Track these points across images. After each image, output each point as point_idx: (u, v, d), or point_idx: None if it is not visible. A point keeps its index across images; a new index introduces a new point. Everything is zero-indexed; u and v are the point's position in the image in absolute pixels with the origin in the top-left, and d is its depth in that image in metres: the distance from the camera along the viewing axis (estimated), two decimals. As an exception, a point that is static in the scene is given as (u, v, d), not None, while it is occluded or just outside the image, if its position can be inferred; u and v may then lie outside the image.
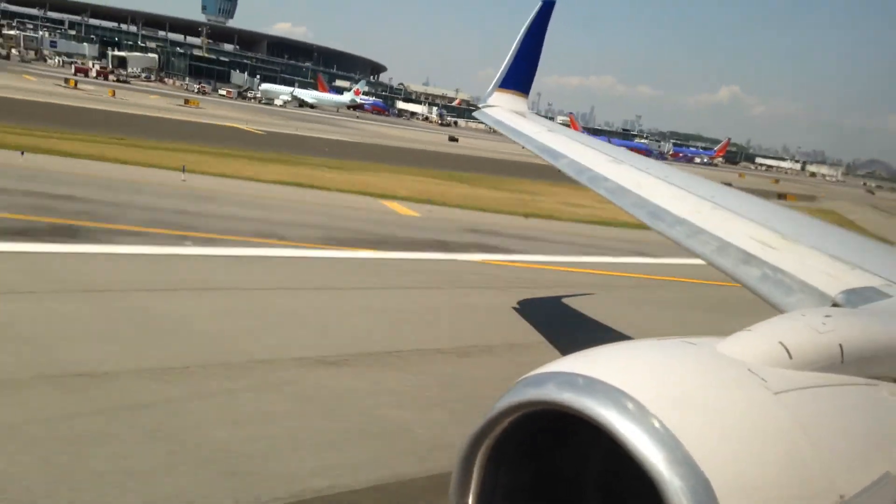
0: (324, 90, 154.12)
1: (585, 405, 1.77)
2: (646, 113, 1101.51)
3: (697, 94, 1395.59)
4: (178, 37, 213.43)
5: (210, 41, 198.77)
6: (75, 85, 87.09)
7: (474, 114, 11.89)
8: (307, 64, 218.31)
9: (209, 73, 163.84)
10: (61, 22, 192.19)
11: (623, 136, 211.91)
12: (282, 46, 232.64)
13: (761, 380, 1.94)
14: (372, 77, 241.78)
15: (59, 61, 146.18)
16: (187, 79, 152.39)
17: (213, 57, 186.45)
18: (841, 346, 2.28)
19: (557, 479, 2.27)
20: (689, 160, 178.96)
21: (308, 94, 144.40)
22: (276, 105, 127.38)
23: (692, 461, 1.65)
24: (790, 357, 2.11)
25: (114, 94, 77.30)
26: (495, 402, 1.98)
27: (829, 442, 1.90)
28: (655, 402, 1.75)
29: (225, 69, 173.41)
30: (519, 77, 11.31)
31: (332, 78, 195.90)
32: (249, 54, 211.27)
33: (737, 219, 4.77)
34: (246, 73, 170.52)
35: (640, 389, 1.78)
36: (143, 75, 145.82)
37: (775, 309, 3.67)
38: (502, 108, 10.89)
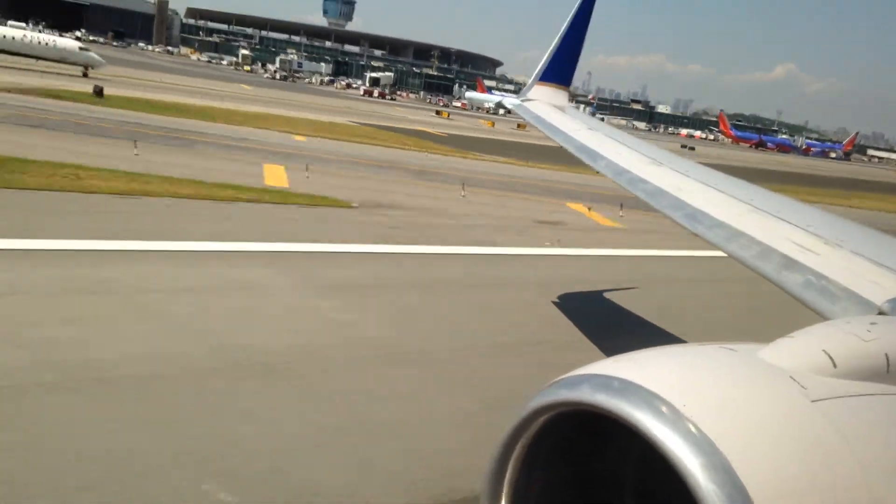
0: (483, 91, 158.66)
1: (619, 407, 1.77)
2: (698, 92, 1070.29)
3: (750, 73, 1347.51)
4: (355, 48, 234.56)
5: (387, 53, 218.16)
6: (448, 116, 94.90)
7: (513, 108, 11.64)
8: (465, 68, 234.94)
9: (438, 87, 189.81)
10: (250, 37, 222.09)
11: (763, 132, 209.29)
12: (422, 51, 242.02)
13: (801, 387, 1.92)
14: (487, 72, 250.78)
15: (317, 80, 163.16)
16: (421, 93, 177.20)
17: (442, 74, 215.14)
18: (887, 355, 2.23)
19: (591, 481, 2.26)
20: (825, 154, 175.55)
21: (509, 100, 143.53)
22: (486, 111, 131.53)
23: (729, 467, 1.64)
24: (834, 365, 2.08)
25: (493, 125, 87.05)
26: (528, 401, 1.97)
27: (869, 451, 1.86)
28: (691, 407, 1.74)
29: (450, 83, 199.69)
30: (560, 70, 11.10)
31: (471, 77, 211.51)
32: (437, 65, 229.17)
33: (778, 223, 4.71)
34: (458, 85, 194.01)
35: (676, 393, 1.77)
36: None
37: (819, 316, 3.63)
38: (542, 101, 10.63)
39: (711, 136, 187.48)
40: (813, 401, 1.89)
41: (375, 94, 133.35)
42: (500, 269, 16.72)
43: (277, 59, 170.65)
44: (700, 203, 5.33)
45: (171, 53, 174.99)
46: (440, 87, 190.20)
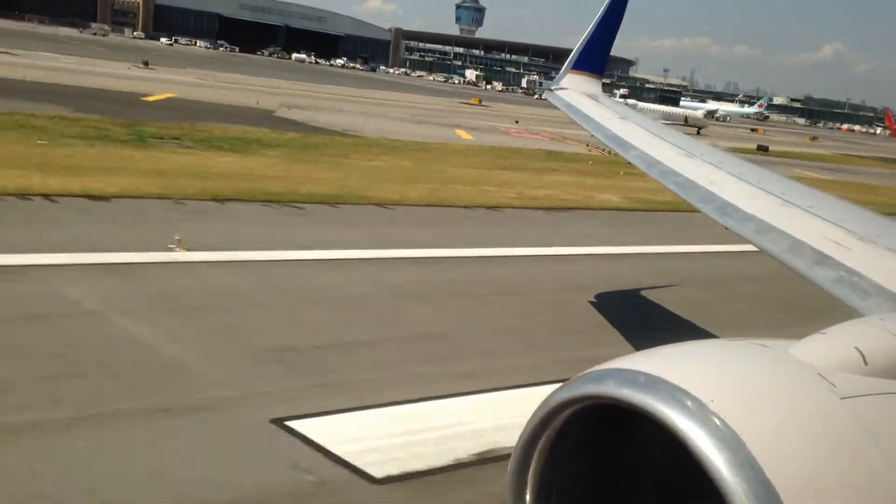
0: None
1: (645, 402, 1.78)
2: (744, 74, 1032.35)
3: (798, 53, 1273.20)
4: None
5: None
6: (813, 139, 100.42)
7: (545, 96, 11.84)
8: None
9: (671, 100, 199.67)
10: (446, 54, 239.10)
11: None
12: (543, 52, 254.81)
13: (829, 384, 1.91)
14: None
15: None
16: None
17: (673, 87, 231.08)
18: None
19: (615, 475, 2.29)
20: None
21: (724, 108, 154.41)
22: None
23: (756, 463, 1.64)
24: (865, 363, 2.06)
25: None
26: (553, 395, 2.00)
27: None
28: (718, 402, 1.74)
29: (678, 96, 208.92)
30: (593, 58, 11.00)
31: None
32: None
33: (810, 217, 4.64)
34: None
35: (703, 388, 1.77)
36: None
37: (851, 312, 3.56)
38: (574, 90, 10.51)
39: (872, 131, 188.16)
40: (842, 398, 1.89)
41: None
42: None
43: (524, 81, 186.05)
44: (731, 196, 5.31)
45: (408, 75, 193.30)
46: (673, 101, 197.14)
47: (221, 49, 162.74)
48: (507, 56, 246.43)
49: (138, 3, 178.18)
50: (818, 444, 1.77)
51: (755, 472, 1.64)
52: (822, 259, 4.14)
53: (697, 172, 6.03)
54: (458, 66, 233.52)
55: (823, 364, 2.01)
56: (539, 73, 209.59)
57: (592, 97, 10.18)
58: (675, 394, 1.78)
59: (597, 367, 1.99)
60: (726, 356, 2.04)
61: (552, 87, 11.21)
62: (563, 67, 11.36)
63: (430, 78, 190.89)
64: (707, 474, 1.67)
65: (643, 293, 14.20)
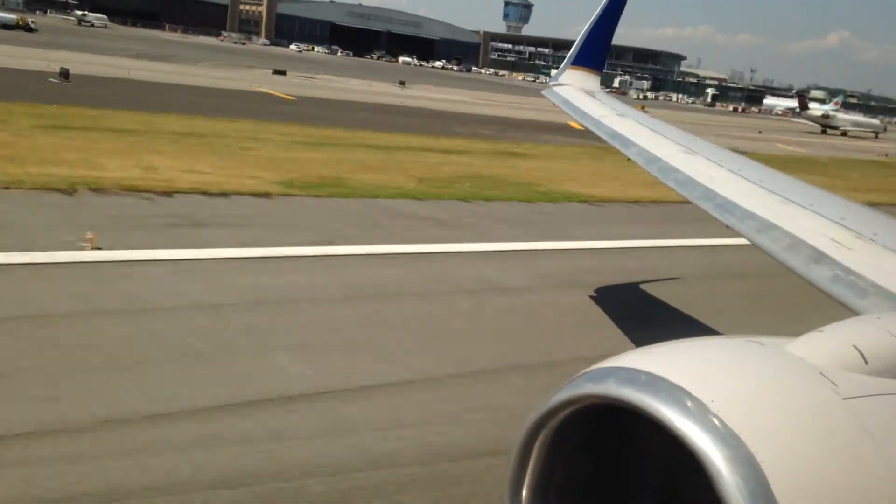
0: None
1: (644, 401, 1.78)
2: (749, 63, 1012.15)
3: (803, 41, 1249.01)
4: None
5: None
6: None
7: (543, 92, 11.16)
8: (646, 64, 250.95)
9: (756, 100, 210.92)
10: (521, 53, 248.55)
11: None
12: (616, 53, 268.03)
13: (831, 383, 1.90)
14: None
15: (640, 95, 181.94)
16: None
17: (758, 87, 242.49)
18: None
19: (615, 474, 2.29)
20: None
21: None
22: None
23: (754, 461, 1.64)
24: (865, 362, 2.06)
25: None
26: (553, 394, 1.99)
27: None
28: (717, 401, 1.74)
29: (762, 94, 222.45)
30: (592, 54, 10.84)
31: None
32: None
33: (810, 215, 4.61)
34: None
35: (702, 387, 1.77)
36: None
37: (848, 311, 3.54)
38: (573, 86, 10.42)
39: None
40: (844, 398, 1.88)
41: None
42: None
43: (617, 80, 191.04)
44: (732, 194, 5.29)
45: (498, 74, 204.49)
46: (757, 100, 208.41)
47: (340, 54, 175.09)
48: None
49: (262, 13, 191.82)
50: (819, 444, 1.74)
51: (753, 471, 1.63)
52: (820, 257, 4.07)
53: (697, 170, 5.98)
54: (543, 65, 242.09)
55: (823, 363, 1.99)
56: (627, 73, 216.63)
57: (590, 93, 10.04)
58: (674, 393, 1.77)
59: (596, 366, 1.97)
60: (726, 354, 2.02)
61: (550, 83, 11.07)
62: (563, 63, 11.18)
63: (520, 77, 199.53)
64: (706, 474, 1.66)
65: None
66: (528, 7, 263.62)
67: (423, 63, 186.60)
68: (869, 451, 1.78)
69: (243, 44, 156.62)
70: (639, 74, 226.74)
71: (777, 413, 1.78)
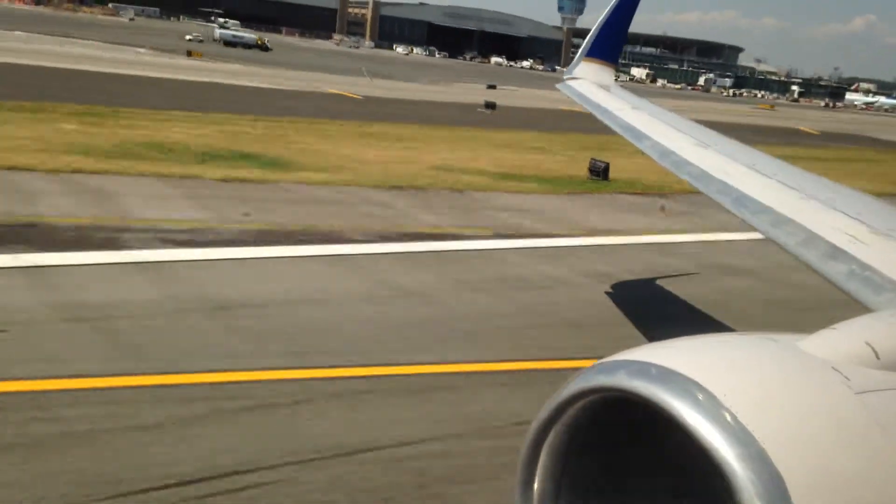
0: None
1: (656, 394, 1.78)
2: (770, 49, 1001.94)
3: (826, 24, 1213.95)
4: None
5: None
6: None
7: (557, 86, 11.02)
8: (704, 58, 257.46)
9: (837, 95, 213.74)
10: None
11: None
12: (655, 41, 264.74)
13: (844, 378, 1.91)
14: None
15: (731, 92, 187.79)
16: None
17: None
18: None
19: (626, 468, 2.29)
20: None
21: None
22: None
23: (766, 457, 1.64)
24: (878, 358, 2.06)
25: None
26: (564, 387, 2.00)
27: None
28: (730, 396, 1.74)
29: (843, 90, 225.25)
30: (607, 46, 10.67)
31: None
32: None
33: (825, 210, 4.58)
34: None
35: (715, 382, 1.78)
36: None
37: (863, 307, 3.51)
38: (587, 79, 10.32)
39: None
40: (857, 393, 1.88)
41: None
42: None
43: (702, 79, 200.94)
44: (746, 187, 5.28)
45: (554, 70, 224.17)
46: (839, 96, 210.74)
47: (437, 56, 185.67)
48: (656, 51, 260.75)
49: (366, 16, 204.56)
50: (831, 439, 1.74)
51: (766, 467, 1.63)
52: (835, 252, 4.04)
53: (711, 163, 5.97)
54: (622, 63, 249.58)
55: (835, 358, 1.99)
56: (709, 71, 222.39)
57: (604, 86, 9.95)
58: (687, 387, 1.77)
59: (608, 358, 1.98)
60: (739, 350, 2.03)
61: (564, 76, 10.91)
62: (577, 55, 11.01)
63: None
64: (718, 469, 1.66)
65: None
66: (583, 1, 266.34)
67: (511, 63, 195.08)
68: (883, 446, 1.77)
69: (356, 48, 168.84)
70: (719, 72, 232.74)
71: (789, 408, 1.77)
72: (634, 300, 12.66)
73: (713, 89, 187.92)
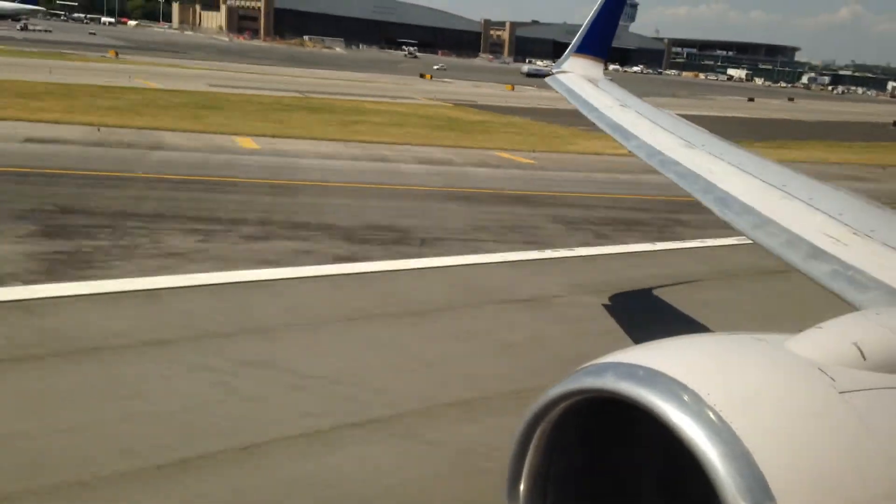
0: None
1: (641, 395, 1.80)
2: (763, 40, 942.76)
3: (815, 15, 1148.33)
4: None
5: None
6: None
7: (546, 80, 10.92)
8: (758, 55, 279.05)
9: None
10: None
11: None
12: (725, 46, 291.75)
13: (828, 378, 1.92)
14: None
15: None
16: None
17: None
18: None
19: (612, 469, 2.32)
20: None
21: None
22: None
23: (750, 457, 1.66)
24: (864, 358, 2.07)
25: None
26: (550, 388, 2.01)
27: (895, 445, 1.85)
28: (714, 396, 1.76)
29: None
30: (597, 41, 10.64)
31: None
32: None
33: (808, 210, 4.59)
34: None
35: (700, 382, 1.79)
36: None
37: (848, 306, 3.53)
38: (575, 74, 10.24)
39: None
40: (840, 392, 1.90)
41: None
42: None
43: (805, 77, 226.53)
44: (731, 188, 5.26)
45: (680, 75, 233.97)
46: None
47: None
48: (725, 53, 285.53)
49: (503, 36, 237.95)
50: (815, 438, 1.76)
51: (749, 466, 1.65)
52: (818, 253, 4.07)
53: (698, 163, 5.95)
54: (718, 66, 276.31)
55: (821, 358, 2.00)
56: (813, 72, 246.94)
57: (594, 82, 9.85)
58: (672, 388, 1.78)
59: (595, 361, 1.99)
60: (726, 350, 2.04)
61: (553, 71, 10.77)
62: (567, 51, 10.92)
63: (702, 76, 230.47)
64: (702, 468, 1.68)
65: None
66: (634, 6, 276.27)
67: (626, 69, 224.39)
68: (866, 445, 1.79)
69: (507, 63, 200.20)
70: (821, 71, 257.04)
71: (773, 408, 1.78)
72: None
73: (814, 87, 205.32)
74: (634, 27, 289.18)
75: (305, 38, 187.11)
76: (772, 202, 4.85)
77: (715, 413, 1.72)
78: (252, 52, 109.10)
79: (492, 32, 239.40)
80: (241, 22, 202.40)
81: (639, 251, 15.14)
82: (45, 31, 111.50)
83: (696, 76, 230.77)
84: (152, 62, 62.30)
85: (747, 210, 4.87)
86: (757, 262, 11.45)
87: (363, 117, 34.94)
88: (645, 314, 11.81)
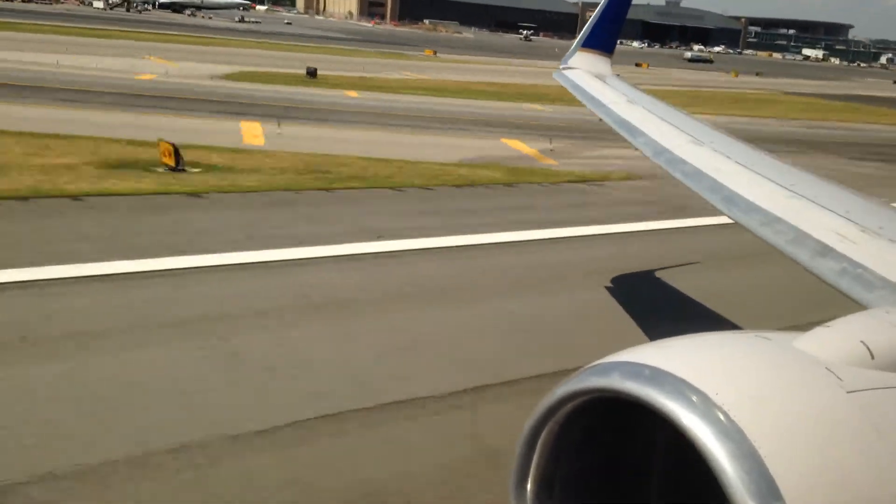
0: None
1: (649, 395, 1.81)
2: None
3: None
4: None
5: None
6: None
7: (553, 75, 10.84)
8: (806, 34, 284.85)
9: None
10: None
11: None
12: (787, 24, 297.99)
13: (836, 378, 1.93)
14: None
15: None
16: None
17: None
18: None
19: (619, 468, 2.32)
20: None
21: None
22: None
23: (758, 456, 1.67)
24: (872, 356, 2.08)
25: None
26: (557, 387, 2.02)
27: None
28: (722, 396, 1.77)
29: None
30: (604, 36, 10.62)
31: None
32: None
33: (816, 209, 4.60)
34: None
35: (707, 382, 1.80)
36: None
37: (856, 305, 3.54)
38: (583, 69, 10.19)
39: None
40: (848, 392, 1.90)
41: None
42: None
43: (884, 58, 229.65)
44: (738, 186, 5.27)
45: (756, 55, 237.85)
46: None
47: (649, 46, 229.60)
48: (786, 31, 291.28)
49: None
50: (822, 438, 1.76)
51: (757, 466, 1.65)
52: (825, 251, 4.06)
53: (705, 161, 5.94)
54: (792, 45, 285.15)
55: (829, 357, 2.01)
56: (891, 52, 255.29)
57: (601, 77, 9.80)
58: (679, 387, 1.79)
59: (602, 360, 2.00)
60: (732, 349, 2.04)
61: (561, 66, 10.70)
62: (573, 45, 10.92)
63: (777, 56, 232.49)
64: (709, 467, 1.68)
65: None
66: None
67: (710, 50, 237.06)
68: (873, 444, 1.79)
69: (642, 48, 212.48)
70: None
71: (781, 407, 1.79)
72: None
73: (892, 67, 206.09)
74: (702, 4, 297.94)
75: (426, 21, 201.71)
76: (779, 201, 4.82)
77: (723, 412, 1.72)
78: (413, 39, 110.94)
79: (588, 13, 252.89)
80: (370, 8, 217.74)
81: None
82: (255, 21, 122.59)
83: (770, 55, 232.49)
84: (472, 59, 70.17)
85: (754, 208, 4.84)
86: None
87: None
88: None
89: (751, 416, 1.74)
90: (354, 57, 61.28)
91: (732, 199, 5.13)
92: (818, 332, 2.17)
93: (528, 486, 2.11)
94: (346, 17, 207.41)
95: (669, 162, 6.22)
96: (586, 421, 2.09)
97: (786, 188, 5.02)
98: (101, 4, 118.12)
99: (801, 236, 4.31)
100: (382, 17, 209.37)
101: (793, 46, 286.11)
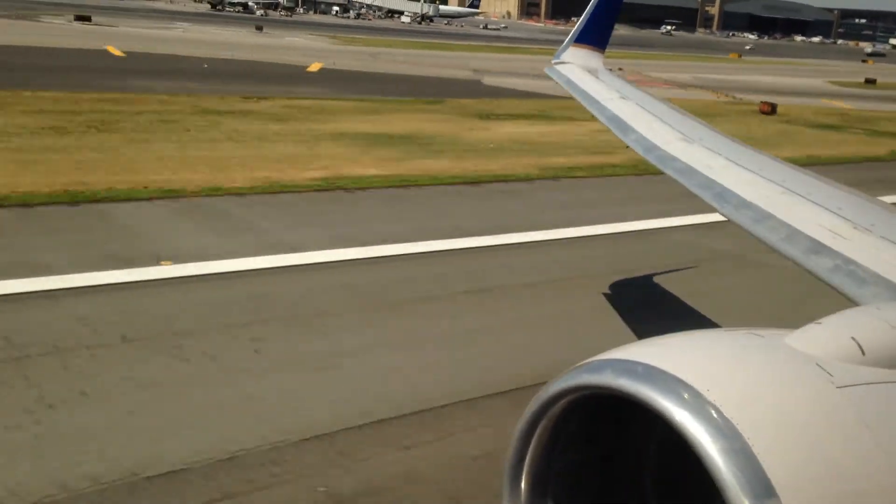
0: None
1: (642, 392, 1.82)
2: None
3: None
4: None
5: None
6: None
7: (545, 70, 10.79)
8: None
9: None
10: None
11: None
12: (860, 14, 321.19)
13: (827, 374, 1.94)
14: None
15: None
16: None
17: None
18: None
19: (612, 465, 2.34)
20: None
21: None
22: None
23: (750, 452, 1.67)
24: (863, 353, 2.09)
25: None
26: (550, 384, 2.03)
27: (894, 439, 1.87)
28: (714, 392, 1.77)
29: None
30: (596, 31, 10.63)
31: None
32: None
33: (807, 205, 4.62)
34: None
35: (700, 378, 1.81)
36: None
37: (848, 301, 3.55)
38: (575, 65, 10.21)
39: None
40: (838, 387, 1.92)
41: None
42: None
43: None
44: (729, 183, 5.29)
45: (848, 45, 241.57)
46: None
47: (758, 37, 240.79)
48: (858, 20, 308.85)
49: (713, 11, 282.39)
50: (814, 433, 1.77)
51: (749, 461, 1.66)
52: (818, 248, 4.08)
53: (696, 158, 5.97)
54: (879, 35, 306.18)
55: (820, 353, 2.02)
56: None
57: (593, 73, 9.79)
58: (672, 384, 1.80)
59: (594, 358, 2.00)
60: (725, 346, 2.06)
61: (553, 61, 10.63)
62: (566, 41, 10.83)
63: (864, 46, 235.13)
64: (702, 463, 1.69)
65: None
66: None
67: (811, 40, 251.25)
68: (864, 439, 1.80)
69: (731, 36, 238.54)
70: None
71: (773, 403, 1.80)
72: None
73: None
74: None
75: (574, 19, 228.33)
76: (771, 197, 4.82)
77: (715, 409, 1.73)
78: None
79: (706, 8, 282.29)
80: (528, 8, 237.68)
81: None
82: (500, 28, 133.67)
83: (857, 45, 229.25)
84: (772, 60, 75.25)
85: (746, 205, 4.85)
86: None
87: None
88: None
89: (743, 413, 1.75)
90: (680, 61, 68.96)
91: (724, 196, 5.15)
92: (809, 328, 2.18)
93: (523, 484, 2.13)
94: (504, 17, 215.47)
95: (660, 159, 6.25)
96: (581, 418, 2.11)
97: (778, 184, 5.04)
98: (407, 19, 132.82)
99: (794, 233, 4.33)
100: (538, 16, 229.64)
101: (880, 36, 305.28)
